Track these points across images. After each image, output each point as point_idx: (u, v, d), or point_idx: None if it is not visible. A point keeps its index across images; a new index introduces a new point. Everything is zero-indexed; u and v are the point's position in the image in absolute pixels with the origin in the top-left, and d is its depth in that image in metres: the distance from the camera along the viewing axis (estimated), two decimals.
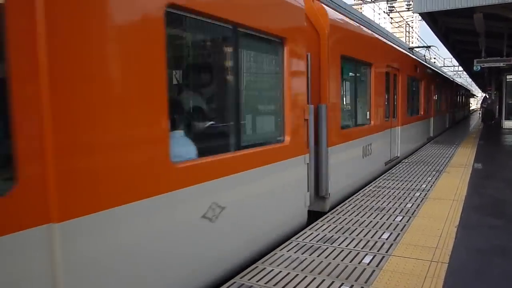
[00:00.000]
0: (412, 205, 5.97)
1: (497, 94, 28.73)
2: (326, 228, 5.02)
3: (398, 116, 10.40)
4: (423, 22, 14.00)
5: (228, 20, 3.73)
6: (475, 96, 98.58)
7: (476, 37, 14.71)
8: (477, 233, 4.79)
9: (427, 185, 7.31)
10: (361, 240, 4.56)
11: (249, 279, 3.60)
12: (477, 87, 70.60)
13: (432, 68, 16.50)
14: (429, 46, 18.86)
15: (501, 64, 15.66)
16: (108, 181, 2.52)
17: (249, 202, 4.02)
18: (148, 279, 2.87)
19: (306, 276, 3.64)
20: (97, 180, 2.43)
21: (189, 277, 3.31)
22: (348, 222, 5.22)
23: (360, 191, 6.97)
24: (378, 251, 4.21)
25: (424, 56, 18.73)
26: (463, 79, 63.06)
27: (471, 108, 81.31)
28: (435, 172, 8.52)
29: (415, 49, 18.02)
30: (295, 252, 4.23)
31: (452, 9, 10.44)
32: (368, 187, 7.31)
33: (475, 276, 3.66)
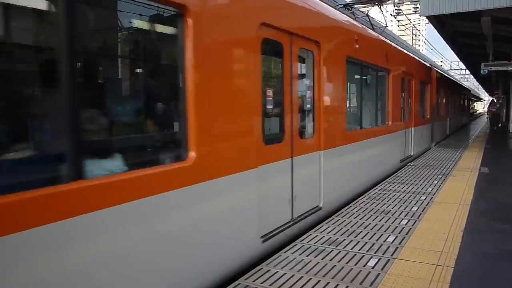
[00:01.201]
0: (417, 208, 5.94)
1: (504, 98, 28.55)
2: (331, 230, 5.01)
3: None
4: (430, 25, 13.93)
5: None
6: (482, 100, 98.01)
7: (483, 40, 14.63)
8: (484, 238, 4.76)
9: (433, 188, 7.27)
10: (366, 243, 4.54)
11: (253, 281, 3.61)
12: (484, 90, 70.20)
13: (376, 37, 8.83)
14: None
15: (509, 68, 15.56)
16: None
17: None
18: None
19: (310, 279, 3.63)
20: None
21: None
22: (353, 225, 5.21)
23: (366, 194, 6.95)
24: (383, 254, 4.20)
25: (368, 15, 11.75)
26: (470, 82, 62.73)
27: (478, 112, 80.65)
28: (441, 176, 8.48)
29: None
30: (299, 254, 4.22)
31: (459, 12, 10.39)
32: (374, 190, 7.29)
33: (481, 281, 3.63)
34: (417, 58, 13.51)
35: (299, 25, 5.10)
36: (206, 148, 3.46)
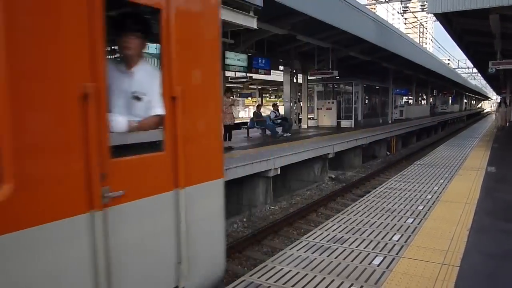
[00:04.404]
0: (423, 207, 5.92)
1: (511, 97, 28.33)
2: (336, 228, 5.01)
3: None
4: (437, 23, 13.85)
5: None
6: (489, 99, 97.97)
7: (491, 38, 14.52)
8: (490, 237, 4.74)
9: (439, 187, 7.24)
10: (372, 241, 4.54)
11: (258, 277, 3.62)
12: (491, 89, 69.76)
13: None
14: None
15: None
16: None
17: None
18: None
19: (315, 276, 3.64)
20: None
21: None
22: (358, 223, 5.20)
23: (371, 192, 6.94)
24: (388, 252, 4.19)
25: None
26: (478, 81, 62.27)
27: (484, 111, 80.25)
28: (447, 175, 8.43)
29: None
30: (304, 252, 4.23)
31: (467, 10, 10.32)
32: (379, 188, 7.27)
33: (486, 280, 3.62)
34: None
35: None
36: None
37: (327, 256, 4.10)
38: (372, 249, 4.28)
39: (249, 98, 44.66)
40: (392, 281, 3.52)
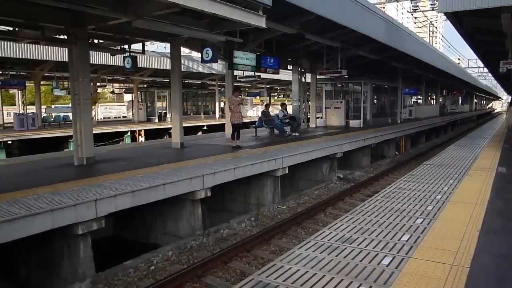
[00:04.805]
0: (433, 207, 5.88)
1: None
2: (345, 228, 4.99)
3: None
4: (448, 22, 13.71)
5: None
6: (500, 99, 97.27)
7: (503, 37, 14.35)
8: (500, 238, 4.69)
9: (448, 188, 7.18)
10: (381, 241, 4.52)
11: (267, 276, 3.62)
12: (502, 89, 69.02)
13: None
14: None
15: None
16: None
17: None
18: None
19: (324, 276, 3.63)
20: None
21: None
22: (367, 223, 5.18)
23: (380, 192, 6.90)
24: (397, 252, 4.17)
25: None
26: (488, 80, 61.62)
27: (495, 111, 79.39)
28: (457, 175, 8.36)
29: None
30: (313, 251, 4.23)
31: (478, 9, 10.20)
32: (388, 188, 7.23)
33: (497, 282, 3.59)
34: None
35: None
36: None
37: (336, 256, 4.10)
38: (381, 249, 4.27)
39: (257, 97, 44.64)
40: (401, 281, 3.51)
